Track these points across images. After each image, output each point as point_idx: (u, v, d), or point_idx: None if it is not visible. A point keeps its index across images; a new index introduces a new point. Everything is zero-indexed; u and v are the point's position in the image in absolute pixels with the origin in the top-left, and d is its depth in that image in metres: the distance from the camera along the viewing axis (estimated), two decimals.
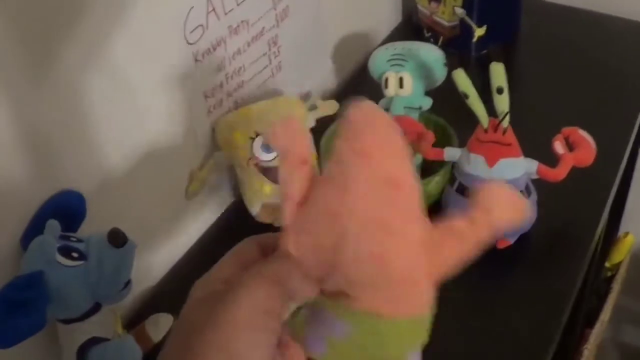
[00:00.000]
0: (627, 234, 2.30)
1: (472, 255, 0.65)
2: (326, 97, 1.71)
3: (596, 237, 1.43)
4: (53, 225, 1.04)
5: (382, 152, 0.61)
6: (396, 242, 0.63)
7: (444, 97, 1.39)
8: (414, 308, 0.66)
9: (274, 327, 0.61)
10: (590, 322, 2.16)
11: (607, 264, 2.31)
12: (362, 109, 0.62)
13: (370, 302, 0.64)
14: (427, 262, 0.65)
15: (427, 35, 1.91)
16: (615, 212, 2.32)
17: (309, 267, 0.64)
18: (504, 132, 1.23)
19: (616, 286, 2.26)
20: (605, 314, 2.22)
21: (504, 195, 0.65)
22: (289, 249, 0.65)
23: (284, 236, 0.65)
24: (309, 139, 0.66)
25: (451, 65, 1.24)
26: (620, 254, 2.31)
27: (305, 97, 1.67)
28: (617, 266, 2.31)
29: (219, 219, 1.50)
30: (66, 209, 1.09)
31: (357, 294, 0.64)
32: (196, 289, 0.65)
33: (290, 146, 0.64)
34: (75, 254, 1.02)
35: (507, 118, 1.22)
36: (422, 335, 0.67)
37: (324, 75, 1.77)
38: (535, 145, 1.27)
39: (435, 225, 0.65)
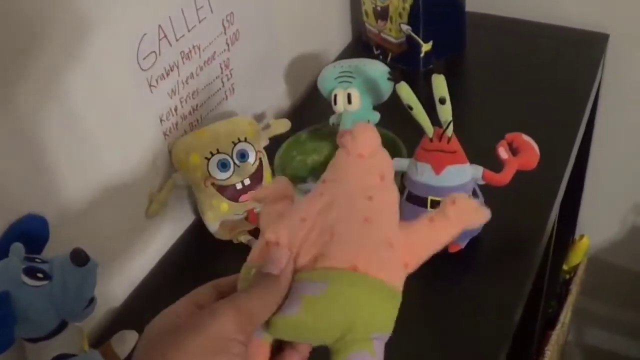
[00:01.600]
0: (582, 236, 2.34)
1: (441, 247, 0.72)
2: (280, 116, 1.75)
3: (545, 239, 1.46)
4: (18, 248, 1.06)
5: (376, 156, 0.75)
6: (379, 210, 0.71)
7: (392, 111, 1.43)
8: (388, 274, 0.70)
9: (238, 351, 0.64)
10: (552, 324, 2.20)
11: (564, 267, 2.35)
12: (360, 126, 0.75)
13: (348, 258, 0.68)
14: (404, 246, 0.71)
15: (376, 52, 1.96)
16: (570, 216, 2.36)
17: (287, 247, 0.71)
18: (449, 140, 1.27)
19: (575, 288, 2.30)
20: (566, 316, 2.26)
21: (469, 200, 0.74)
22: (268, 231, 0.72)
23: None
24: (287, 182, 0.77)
25: (398, 80, 1.28)
26: (577, 256, 2.35)
27: (259, 117, 1.71)
28: (574, 269, 2.36)
29: (180, 238, 1.52)
30: (30, 233, 1.11)
31: (335, 250, 0.69)
32: (153, 324, 0.67)
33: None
34: (40, 274, 1.04)
35: (451, 127, 1.25)
36: (392, 312, 0.70)
37: (277, 95, 1.80)
38: (482, 152, 1.31)
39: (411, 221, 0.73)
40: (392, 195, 0.74)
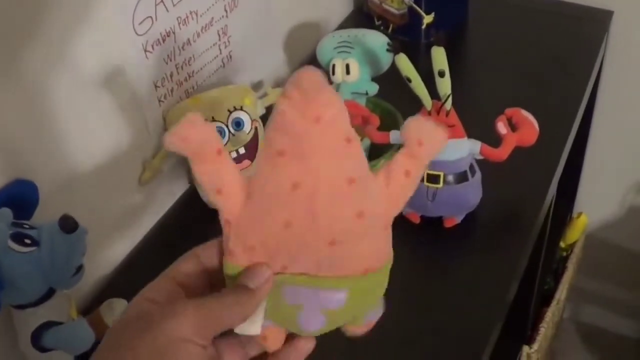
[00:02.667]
0: (580, 214, 2.33)
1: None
2: (278, 85, 1.72)
3: (542, 216, 1.46)
4: (5, 213, 1.05)
5: (334, 114, 0.62)
6: (365, 194, 0.65)
7: (391, 83, 1.42)
8: (389, 253, 0.70)
9: (196, 353, 0.62)
10: (548, 301, 2.20)
11: (562, 244, 2.34)
12: (308, 75, 0.61)
13: (360, 263, 0.68)
14: (388, 205, 0.68)
15: (377, 23, 1.94)
16: (569, 193, 2.36)
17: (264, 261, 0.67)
18: (447, 114, 1.26)
19: (571, 266, 2.30)
20: (561, 293, 2.26)
21: (428, 123, 0.67)
22: (232, 250, 0.67)
23: (225, 240, 0.67)
24: (213, 127, 0.65)
25: (398, 52, 1.27)
26: (575, 234, 2.34)
27: (257, 86, 1.69)
28: (571, 246, 2.35)
29: (173, 206, 1.52)
30: (19, 198, 1.10)
31: (344, 258, 0.67)
32: (129, 307, 0.65)
33: (203, 142, 0.63)
34: (27, 241, 1.03)
35: (450, 100, 1.25)
36: (388, 275, 0.71)
37: (275, 64, 1.78)
38: (481, 127, 1.30)
39: (383, 172, 0.67)
40: (362, 155, 0.66)
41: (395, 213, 0.69)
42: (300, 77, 0.60)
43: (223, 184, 0.65)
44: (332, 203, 0.64)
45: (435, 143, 0.66)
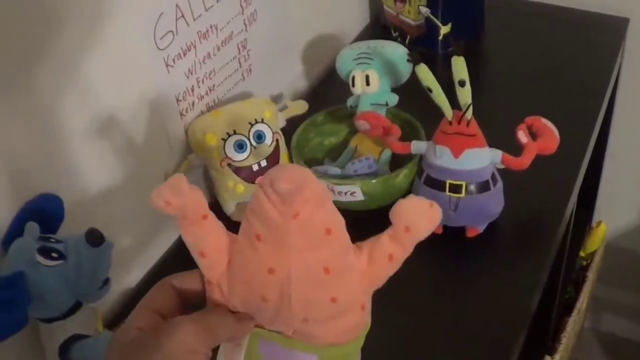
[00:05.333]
0: (599, 223, 2.32)
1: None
2: (297, 97, 1.74)
3: (564, 225, 1.45)
4: (31, 227, 1.06)
5: (313, 207, 0.63)
6: (341, 282, 0.68)
7: (411, 93, 1.42)
8: (364, 327, 0.72)
9: None
10: (569, 311, 2.19)
11: (582, 254, 2.33)
12: (287, 175, 0.62)
13: (329, 338, 0.70)
14: (367, 285, 0.70)
15: (394, 35, 1.94)
16: (588, 202, 2.35)
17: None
18: (468, 123, 1.26)
19: (591, 275, 2.29)
20: (582, 303, 2.25)
21: (418, 207, 0.67)
22: (216, 304, 0.70)
23: (209, 296, 0.70)
24: (199, 193, 0.67)
25: (417, 62, 1.27)
26: (594, 243, 2.33)
27: (277, 98, 1.70)
28: (591, 255, 2.34)
29: None
30: (45, 212, 1.11)
31: (315, 333, 0.70)
32: (114, 339, 0.68)
33: (187, 205, 0.66)
34: (54, 254, 1.04)
35: (470, 110, 1.25)
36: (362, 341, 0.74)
37: (294, 77, 1.79)
38: (501, 136, 1.30)
39: (367, 251, 0.69)
40: (345, 247, 0.68)
41: (373, 289, 0.71)
42: (278, 176, 0.62)
43: (206, 248, 0.68)
44: (305, 289, 0.66)
45: (422, 228, 0.67)
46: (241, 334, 0.70)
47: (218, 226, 0.69)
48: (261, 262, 0.66)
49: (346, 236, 0.67)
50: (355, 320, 0.71)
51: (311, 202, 0.63)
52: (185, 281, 0.73)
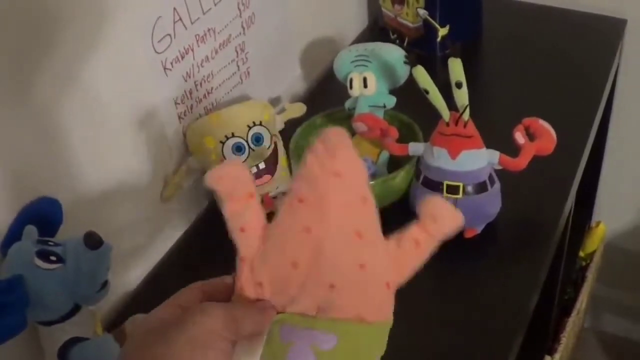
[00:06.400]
0: (599, 223, 2.33)
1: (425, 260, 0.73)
2: (295, 100, 1.74)
3: (562, 225, 1.46)
4: (31, 231, 1.07)
5: (354, 172, 0.68)
6: (371, 250, 0.70)
7: (408, 95, 1.42)
8: (388, 311, 0.73)
9: (225, 347, 0.67)
10: (568, 311, 2.19)
11: (581, 254, 2.34)
12: (333, 134, 0.67)
13: (353, 309, 0.71)
14: (394, 266, 0.72)
15: (393, 37, 1.95)
16: (587, 203, 2.35)
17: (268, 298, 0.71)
18: (465, 124, 1.27)
19: (591, 275, 2.30)
20: (582, 303, 2.26)
21: (444, 204, 0.73)
22: (243, 285, 0.71)
23: (238, 274, 0.71)
24: (249, 174, 0.71)
25: (415, 64, 1.27)
26: (594, 243, 2.34)
27: (275, 101, 1.70)
28: (591, 255, 2.35)
29: (195, 222, 1.52)
30: (43, 215, 1.11)
31: (340, 302, 0.70)
32: (137, 327, 0.70)
33: (237, 184, 0.70)
34: (53, 257, 1.04)
35: (467, 111, 1.25)
36: (386, 339, 0.75)
37: (292, 79, 1.79)
38: (498, 137, 1.30)
39: (395, 237, 0.72)
40: (375, 217, 0.71)
41: (400, 280, 0.73)
42: (327, 134, 0.66)
43: (247, 223, 0.70)
44: (337, 250, 0.69)
45: (448, 223, 0.72)
46: (263, 326, 0.70)
47: (260, 208, 0.71)
48: (299, 221, 0.69)
49: (377, 213, 0.71)
50: (381, 297, 0.72)
51: (352, 163, 0.68)
52: (214, 284, 0.74)
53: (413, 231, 0.72)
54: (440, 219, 0.72)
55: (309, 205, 0.68)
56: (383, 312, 0.73)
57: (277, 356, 0.71)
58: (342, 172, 0.67)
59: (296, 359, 0.70)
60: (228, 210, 0.70)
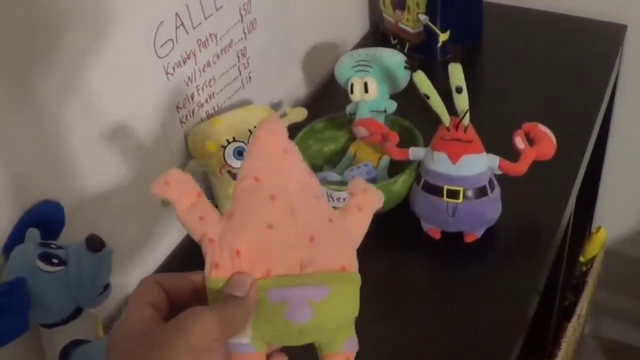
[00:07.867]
0: (599, 228, 2.33)
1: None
2: (296, 105, 1.74)
3: (561, 230, 1.46)
4: (32, 234, 1.07)
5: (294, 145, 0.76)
6: (330, 209, 0.77)
7: (409, 100, 1.43)
8: (357, 265, 0.76)
9: (224, 350, 0.67)
10: (568, 317, 2.20)
11: (581, 259, 2.34)
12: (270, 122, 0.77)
13: (337, 260, 0.73)
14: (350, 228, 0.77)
15: (393, 42, 1.95)
16: (587, 208, 2.36)
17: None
18: (465, 129, 1.27)
19: (591, 280, 2.29)
20: (582, 308, 2.25)
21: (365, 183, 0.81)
22: (217, 262, 0.71)
23: (210, 254, 0.72)
24: (190, 177, 0.74)
25: (415, 69, 1.28)
26: (594, 248, 2.33)
27: (276, 106, 1.71)
28: (591, 261, 2.35)
29: None
30: (46, 218, 1.12)
31: (322, 254, 0.73)
32: (117, 334, 0.67)
33: (184, 186, 0.73)
34: (55, 260, 1.05)
35: (467, 116, 1.26)
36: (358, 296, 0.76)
37: (293, 84, 1.80)
38: (498, 142, 1.31)
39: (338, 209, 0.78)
40: (319, 186, 0.79)
41: (359, 238, 0.78)
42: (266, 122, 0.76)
43: (204, 211, 0.73)
44: (307, 207, 0.74)
45: (374, 193, 0.81)
46: (246, 318, 0.70)
47: (211, 204, 0.74)
48: (262, 193, 0.73)
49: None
50: (353, 249, 0.76)
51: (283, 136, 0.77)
52: (168, 277, 0.73)
53: (352, 201, 0.79)
54: (370, 189, 0.80)
55: (268, 178, 0.74)
56: (356, 264, 0.75)
57: (273, 319, 0.71)
58: (289, 149, 0.76)
59: (295, 314, 0.70)
60: (182, 208, 0.72)
